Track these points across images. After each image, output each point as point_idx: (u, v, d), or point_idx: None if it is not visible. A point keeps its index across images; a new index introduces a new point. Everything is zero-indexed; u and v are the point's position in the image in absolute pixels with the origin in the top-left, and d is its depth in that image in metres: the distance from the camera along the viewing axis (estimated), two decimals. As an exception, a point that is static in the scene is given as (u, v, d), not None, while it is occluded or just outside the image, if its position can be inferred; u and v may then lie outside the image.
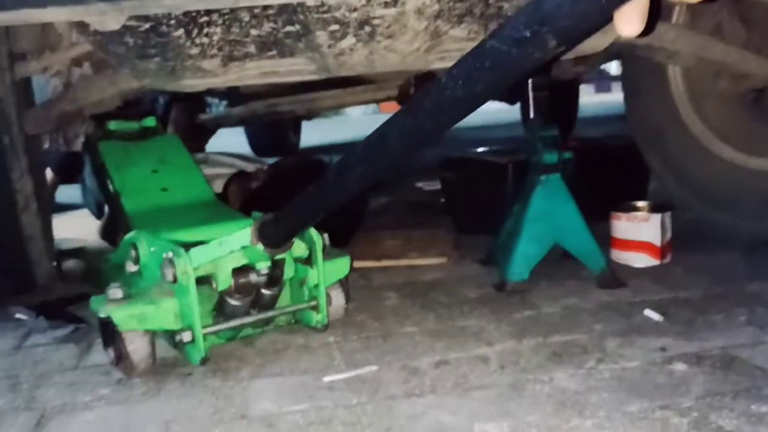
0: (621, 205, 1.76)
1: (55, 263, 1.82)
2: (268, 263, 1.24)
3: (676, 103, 1.84)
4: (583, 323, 1.38)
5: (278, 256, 1.25)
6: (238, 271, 1.24)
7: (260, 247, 1.15)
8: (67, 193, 3.64)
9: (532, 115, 1.59)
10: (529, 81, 1.60)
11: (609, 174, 2.07)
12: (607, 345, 1.27)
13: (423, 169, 3.34)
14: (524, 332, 1.36)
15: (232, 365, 1.31)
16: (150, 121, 1.84)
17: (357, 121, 10.86)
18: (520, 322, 1.42)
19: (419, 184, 3.24)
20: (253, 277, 1.25)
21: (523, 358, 1.24)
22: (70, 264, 1.82)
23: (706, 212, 1.85)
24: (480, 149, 2.40)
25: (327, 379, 1.21)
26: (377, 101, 4.06)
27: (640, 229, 1.69)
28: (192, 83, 1.40)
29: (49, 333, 1.53)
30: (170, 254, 1.22)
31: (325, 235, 1.38)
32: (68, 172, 3.42)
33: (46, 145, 2.14)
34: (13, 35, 1.56)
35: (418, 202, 2.93)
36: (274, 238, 1.15)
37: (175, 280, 1.22)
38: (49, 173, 3.28)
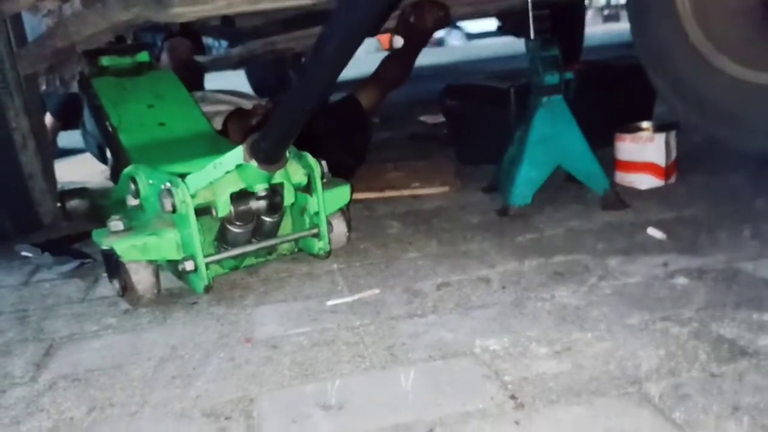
0: (625, 127, 1.73)
1: (58, 203, 1.83)
2: (266, 185, 1.23)
3: (682, 21, 1.77)
4: (586, 244, 1.38)
5: (276, 181, 1.24)
6: (237, 198, 1.24)
7: (254, 164, 1.14)
8: (69, 138, 3.63)
9: (532, 35, 1.55)
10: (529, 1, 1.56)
11: (613, 97, 2.03)
12: (609, 263, 1.26)
13: (426, 102, 3.30)
14: (526, 254, 1.36)
15: (236, 294, 1.32)
16: (143, 56, 1.80)
17: (359, 60, 10.70)
18: (522, 245, 1.42)
19: (422, 118, 3.20)
20: (252, 204, 1.25)
21: (525, 278, 1.24)
22: (73, 203, 1.82)
23: (713, 131, 1.81)
24: (483, 78, 2.35)
25: (330, 303, 1.22)
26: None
27: (644, 149, 1.66)
28: (181, 11, 1.37)
29: (55, 269, 1.54)
30: (168, 184, 1.22)
31: (323, 162, 1.37)
32: (67, 117, 3.40)
33: (43, 88, 2.10)
34: (0, -31, 1.52)
35: (422, 135, 2.90)
36: (267, 152, 1.14)
37: (174, 210, 1.21)
38: (48, 118, 3.26)
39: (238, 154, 1.16)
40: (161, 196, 1.22)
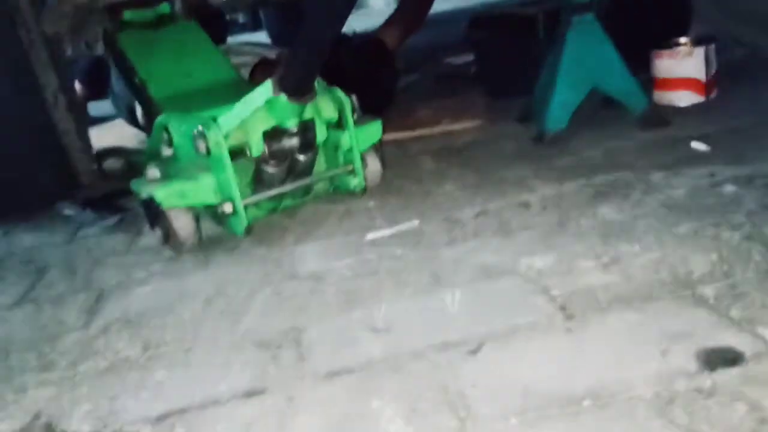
0: (663, 43, 1.66)
1: (95, 163, 1.85)
2: (297, 120, 1.21)
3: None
4: (627, 162, 1.34)
5: (306, 117, 1.23)
6: (270, 137, 1.23)
7: (283, 96, 1.12)
8: (99, 107, 3.66)
9: (560, -49, 1.48)
10: None
11: (647, 15, 1.94)
12: (653, 178, 1.23)
13: (450, 45, 3.22)
14: (566, 177, 1.33)
15: (276, 235, 1.32)
16: (165, 8, 1.78)
17: (380, 12, 10.50)
18: (561, 169, 1.39)
19: (448, 60, 3.13)
20: (285, 142, 1.24)
21: (566, 200, 1.22)
22: (110, 162, 1.84)
23: (756, 40, 1.74)
24: (508, 5, 2.28)
25: (370, 236, 1.22)
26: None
27: (683, 64, 1.60)
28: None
29: (98, 224, 1.56)
30: (200, 127, 1.22)
31: (354, 97, 1.35)
32: (95, 84, 3.41)
33: (70, 52, 2.10)
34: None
35: (448, 75, 2.84)
36: (295, 84, 1.12)
37: (208, 152, 1.21)
38: (78, 86, 3.28)
39: (266, 88, 1.15)
40: (195, 139, 1.22)
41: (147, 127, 1.81)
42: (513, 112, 1.85)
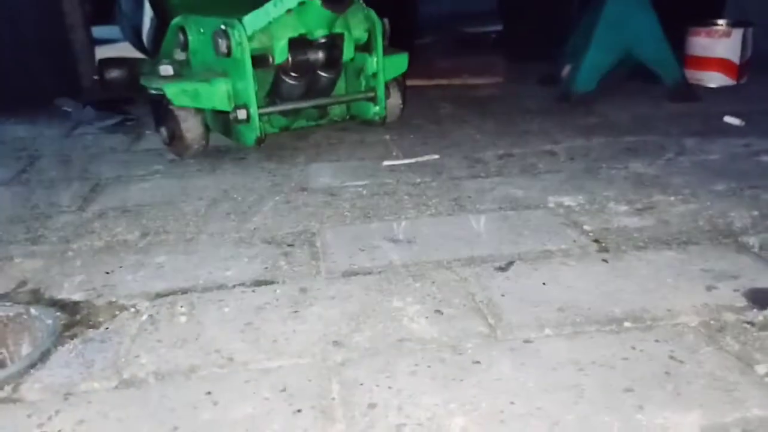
0: (700, 20, 1.62)
1: (97, 74, 1.76)
2: (326, 31, 1.15)
3: None
4: (657, 127, 1.30)
5: (336, 30, 1.16)
6: (295, 47, 1.16)
7: (318, 2, 1.06)
8: (104, 30, 3.54)
9: None
10: None
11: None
12: (686, 143, 1.19)
13: (468, 15, 3.16)
14: (592, 133, 1.29)
15: (286, 153, 1.26)
16: None
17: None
18: (587, 126, 1.34)
19: (467, 29, 3.07)
20: (311, 54, 1.18)
21: (594, 152, 1.17)
22: (113, 73, 1.75)
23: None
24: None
25: (387, 163, 1.17)
26: None
27: (719, 44, 1.56)
28: None
29: (97, 123, 1.49)
30: (223, 26, 1.15)
31: (386, 20, 1.29)
32: (100, 5, 3.29)
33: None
34: None
35: (467, 40, 2.78)
36: None
37: (229, 53, 1.14)
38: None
39: None
40: (216, 37, 1.15)
41: (152, 49, 1.72)
42: (534, 75, 1.80)
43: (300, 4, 1.10)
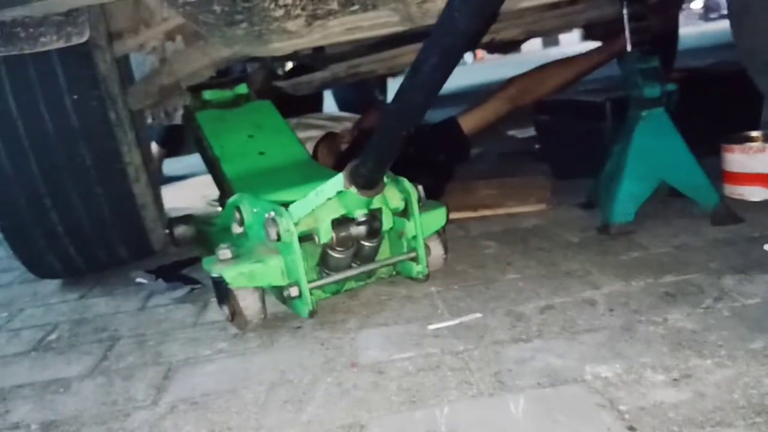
0: (733, 137, 1.64)
1: (167, 230, 1.93)
2: (365, 210, 1.25)
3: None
4: (697, 262, 1.32)
5: (374, 206, 1.26)
6: (338, 225, 1.27)
7: (354, 190, 1.16)
8: (172, 165, 3.83)
9: (629, 47, 1.50)
10: (624, 11, 1.51)
11: (717, 104, 1.94)
12: (725, 283, 1.20)
13: (515, 116, 3.26)
14: (632, 274, 1.31)
15: (338, 317, 1.34)
16: (242, 89, 1.89)
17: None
18: (627, 264, 1.37)
19: (511, 133, 3.16)
20: (353, 229, 1.27)
21: (633, 300, 1.20)
22: (181, 230, 1.92)
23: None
24: (575, 91, 2.30)
25: (432, 327, 1.23)
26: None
27: (755, 160, 1.58)
28: (279, 46, 1.42)
29: (168, 294, 1.62)
30: (272, 214, 1.26)
31: (420, 187, 1.38)
32: (172, 145, 3.59)
33: (149, 120, 2.23)
34: (110, 14, 1.63)
35: (512, 151, 2.87)
36: (366, 177, 1.16)
37: (279, 238, 1.26)
38: (154, 147, 3.46)
39: (338, 181, 1.18)
40: (266, 224, 1.27)
41: (220, 199, 1.88)
42: (577, 195, 1.85)
43: (338, 193, 1.21)
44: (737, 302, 1.12)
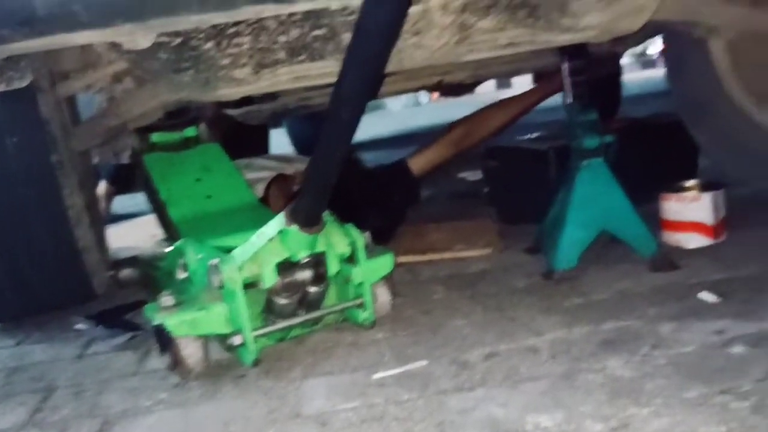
0: (670, 186, 1.71)
1: (111, 272, 1.88)
2: (308, 251, 1.25)
3: (720, 76, 1.77)
4: (636, 308, 1.35)
5: (319, 249, 1.26)
6: (283, 270, 1.26)
7: (295, 227, 1.16)
8: (123, 203, 3.75)
9: (569, 99, 1.56)
10: (565, 65, 1.57)
11: (656, 153, 2.02)
12: (662, 330, 1.24)
13: (466, 159, 3.32)
14: (575, 320, 1.34)
15: (283, 365, 1.33)
16: (191, 131, 1.88)
17: (398, 114, 10.85)
18: (570, 310, 1.40)
19: (462, 175, 3.22)
20: (298, 274, 1.27)
21: (575, 347, 1.22)
22: (126, 272, 1.87)
23: (760, 185, 1.79)
24: (522, 137, 2.37)
25: (377, 376, 1.22)
26: (416, 90, 4.01)
27: (690, 209, 1.64)
28: (227, 92, 1.42)
29: (108, 341, 1.58)
30: (215, 261, 1.25)
31: (367, 234, 1.39)
32: (121, 183, 3.52)
33: (96, 159, 2.19)
34: (55, 56, 1.61)
35: (462, 193, 2.91)
36: (306, 212, 1.17)
37: (222, 286, 1.24)
38: (103, 185, 3.39)
39: (279, 220, 1.19)
40: (210, 272, 1.25)
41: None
42: (523, 239, 1.88)
43: (279, 232, 1.21)
44: (673, 350, 1.15)
